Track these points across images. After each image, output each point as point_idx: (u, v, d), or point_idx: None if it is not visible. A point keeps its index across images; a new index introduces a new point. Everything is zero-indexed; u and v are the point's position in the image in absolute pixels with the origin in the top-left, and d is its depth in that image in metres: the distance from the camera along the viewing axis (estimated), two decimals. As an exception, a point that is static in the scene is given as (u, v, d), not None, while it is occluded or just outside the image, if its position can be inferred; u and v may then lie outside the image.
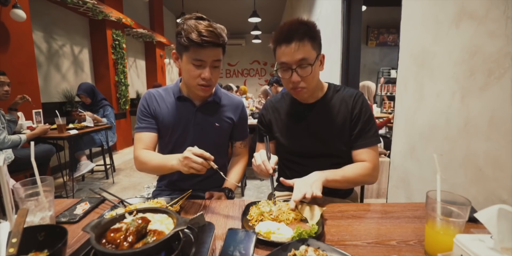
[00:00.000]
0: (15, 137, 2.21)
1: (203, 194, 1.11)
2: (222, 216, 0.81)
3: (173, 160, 0.87)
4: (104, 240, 0.45)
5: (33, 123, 2.76)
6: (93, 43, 4.61)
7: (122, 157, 4.58)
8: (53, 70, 3.80)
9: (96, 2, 3.88)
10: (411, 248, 0.62)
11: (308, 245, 0.58)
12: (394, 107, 1.57)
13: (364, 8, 3.46)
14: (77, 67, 4.29)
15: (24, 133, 2.35)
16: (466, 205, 0.56)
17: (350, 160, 1.07)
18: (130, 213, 0.53)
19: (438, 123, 1.14)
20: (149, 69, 6.77)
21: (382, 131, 3.11)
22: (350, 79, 2.79)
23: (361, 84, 3.11)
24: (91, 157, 3.57)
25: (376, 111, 3.52)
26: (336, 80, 2.90)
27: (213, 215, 0.81)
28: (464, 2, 0.98)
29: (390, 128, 2.88)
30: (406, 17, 1.42)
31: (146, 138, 1.07)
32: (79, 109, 3.21)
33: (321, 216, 0.74)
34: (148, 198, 0.89)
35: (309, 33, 0.91)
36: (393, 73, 5.66)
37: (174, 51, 1.04)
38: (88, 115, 3.02)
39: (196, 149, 0.81)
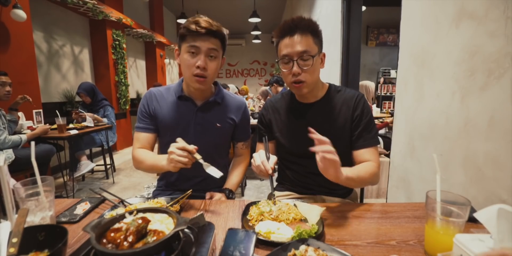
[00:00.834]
0: (15, 137, 2.21)
1: (203, 194, 1.11)
2: (222, 216, 0.81)
3: (163, 161, 0.89)
4: (104, 240, 0.45)
5: (34, 123, 2.76)
6: (93, 43, 4.61)
7: (122, 157, 4.58)
8: (53, 70, 3.80)
9: (96, 2, 3.88)
10: (411, 248, 0.63)
11: (308, 245, 0.58)
12: (394, 107, 1.57)
13: (364, 8, 3.46)
14: (77, 67, 4.29)
15: (24, 133, 2.36)
16: (466, 205, 0.56)
17: (349, 162, 1.07)
18: (130, 213, 0.53)
19: (438, 123, 1.14)
20: (149, 69, 6.77)
21: (382, 131, 3.11)
22: (350, 79, 2.79)
23: (360, 83, 3.11)
24: (91, 157, 3.57)
25: (375, 111, 3.52)
26: (336, 80, 2.90)
27: (213, 215, 0.81)
28: (464, 2, 0.98)
29: (390, 128, 2.88)
30: (406, 17, 1.42)
31: (142, 138, 1.11)
32: (80, 109, 3.22)
33: (321, 216, 0.74)
34: (148, 198, 0.89)
35: (311, 28, 0.93)
36: (393, 73, 5.66)
37: (176, 48, 1.06)
38: (88, 115, 3.02)
39: (178, 144, 0.83)
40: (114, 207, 0.84)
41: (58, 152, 2.71)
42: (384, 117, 3.42)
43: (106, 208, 0.86)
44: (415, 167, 1.33)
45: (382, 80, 5.55)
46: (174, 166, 0.84)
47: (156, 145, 1.21)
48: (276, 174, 1.17)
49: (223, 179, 1.20)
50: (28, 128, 2.62)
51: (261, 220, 0.74)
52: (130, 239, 0.45)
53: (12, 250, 0.44)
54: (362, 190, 1.31)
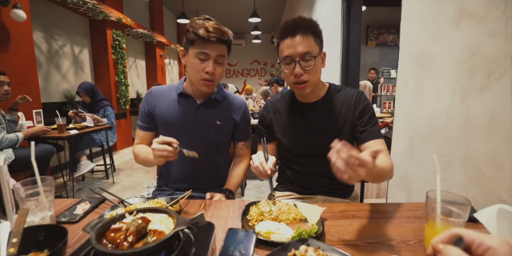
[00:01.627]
0: (12, 135, 2.20)
1: (203, 194, 1.11)
2: (222, 216, 0.81)
3: (151, 155, 0.91)
4: (104, 240, 0.45)
5: (34, 123, 2.76)
6: (93, 43, 4.61)
7: (122, 157, 4.58)
8: (53, 70, 3.80)
9: (96, 2, 3.88)
10: (411, 248, 0.63)
11: (308, 245, 0.58)
12: (394, 107, 1.57)
13: (364, 8, 3.46)
14: (77, 67, 4.29)
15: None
16: (466, 205, 0.56)
17: None
18: (130, 213, 0.53)
19: (438, 123, 1.14)
20: (149, 69, 6.77)
21: (382, 131, 3.11)
22: (350, 79, 2.79)
23: (360, 83, 3.11)
24: (91, 157, 3.57)
25: (376, 111, 3.52)
26: (336, 80, 2.90)
27: (213, 215, 0.81)
28: (464, 2, 0.98)
29: (390, 128, 2.88)
30: (406, 17, 1.42)
31: (141, 136, 1.17)
32: (79, 109, 3.22)
33: (321, 216, 0.74)
34: (148, 198, 0.89)
35: (313, 28, 0.93)
36: (393, 73, 5.66)
37: (181, 48, 1.07)
38: (88, 115, 3.02)
39: (158, 138, 0.86)
40: (114, 207, 0.84)
41: (58, 152, 2.70)
42: (384, 117, 3.42)
43: (106, 208, 0.86)
44: (415, 167, 1.33)
45: (382, 80, 5.55)
46: (159, 160, 0.87)
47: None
48: (276, 174, 1.17)
49: (223, 177, 1.20)
50: (28, 128, 2.62)
51: (261, 220, 0.74)
52: (130, 239, 0.45)
53: (12, 250, 0.44)
54: (362, 190, 1.31)
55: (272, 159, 0.90)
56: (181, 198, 0.87)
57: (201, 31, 0.95)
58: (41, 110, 2.93)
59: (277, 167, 1.00)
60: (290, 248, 0.58)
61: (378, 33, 6.09)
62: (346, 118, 1.01)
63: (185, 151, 0.86)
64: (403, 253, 0.61)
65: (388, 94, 5.57)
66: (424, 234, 0.62)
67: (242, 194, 2.86)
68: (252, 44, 10.28)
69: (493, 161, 0.86)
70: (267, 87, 4.88)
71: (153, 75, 6.78)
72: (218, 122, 1.12)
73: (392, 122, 1.57)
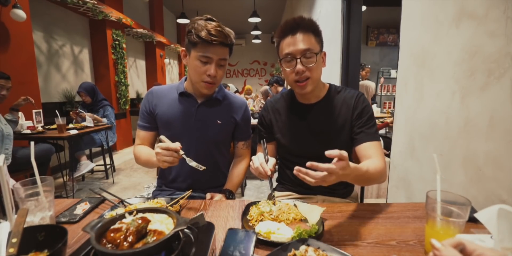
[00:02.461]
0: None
1: (203, 194, 1.11)
2: (222, 216, 0.81)
3: (154, 157, 0.91)
4: (104, 240, 0.45)
5: (33, 123, 2.76)
6: (93, 43, 4.61)
7: (122, 157, 4.58)
8: (53, 70, 3.80)
9: (96, 2, 3.88)
10: (411, 248, 0.62)
11: (308, 245, 0.58)
12: (394, 107, 1.57)
13: (364, 8, 3.46)
14: (77, 67, 4.29)
15: (25, 136, 2.32)
16: (466, 205, 0.56)
17: (350, 161, 1.07)
18: (130, 213, 0.53)
19: (438, 123, 1.14)
20: (149, 69, 6.77)
21: (382, 131, 3.11)
22: (350, 79, 2.79)
23: (360, 83, 3.11)
24: (91, 157, 3.57)
25: (376, 111, 3.52)
26: (336, 80, 2.89)
27: (213, 215, 0.81)
28: (464, 2, 0.98)
29: (390, 128, 2.88)
30: (406, 17, 1.42)
31: (142, 136, 1.17)
32: (79, 109, 3.22)
33: (321, 216, 0.74)
34: (148, 198, 0.89)
35: (313, 27, 0.94)
36: (393, 73, 5.66)
37: (183, 48, 1.07)
38: (88, 115, 3.02)
39: (162, 144, 0.85)
40: (114, 207, 0.84)
41: (58, 152, 2.70)
42: (384, 117, 3.42)
43: (106, 208, 0.86)
44: (415, 167, 1.33)
45: (382, 80, 5.55)
46: (162, 165, 0.87)
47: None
48: (276, 174, 1.17)
49: (223, 177, 1.20)
50: (28, 128, 2.62)
51: (261, 220, 0.74)
52: (130, 239, 0.45)
53: (11, 250, 0.44)
54: (362, 190, 1.31)
55: (272, 160, 0.90)
56: (181, 198, 0.87)
57: (204, 34, 0.94)
58: (41, 110, 2.93)
59: (276, 167, 1.00)
60: (290, 248, 0.58)
61: (378, 33, 6.09)
62: (345, 120, 1.01)
63: (188, 159, 0.87)
64: (403, 253, 0.61)
65: (388, 94, 5.57)
66: (424, 234, 0.62)
67: (242, 194, 2.86)
68: (252, 44, 10.28)
69: (493, 161, 0.86)
70: (268, 87, 4.88)
71: (153, 75, 6.77)
72: (218, 121, 1.13)
73: (392, 122, 1.57)
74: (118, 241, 0.44)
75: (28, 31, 2.99)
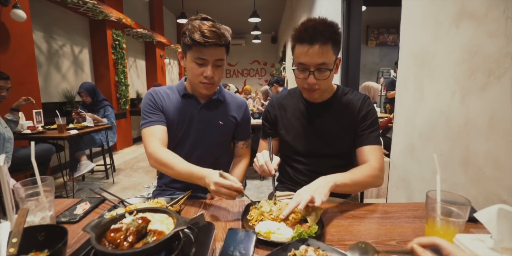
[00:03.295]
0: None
1: (203, 194, 1.11)
2: (222, 216, 0.81)
3: (199, 180, 0.85)
4: (104, 240, 0.45)
5: (34, 123, 2.76)
6: (93, 43, 4.61)
7: (122, 157, 4.58)
8: (53, 70, 3.80)
9: (96, 2, 3.88)
10: (411, 248, 0.62)
11: (308, 245, 0.58)
12: (394, 107, 1.58)
13: (364, 8, 3.46)
14: (77, 67, 4.29)
15: (25, 136, 2.32)
16: (466, 205, 0.56)
17: (352, 163, 1.07)
18: (130, 213, 0.53)
19: (438, 123, 1.14)
20: (149, 69, 6.77)
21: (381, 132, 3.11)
22: (350, 79, 2.79)
23: (364, 84, 3.10)
24: (91, 157, 3.57)
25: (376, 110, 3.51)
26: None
27: (213, 215, 0.81)
28: (464, 2, 0.98)
29: (390, 128, 2.88)
30: (406, 17, 1.42)
31: (158, 131, 1.03)
32: (80, 109, 3.22)
33: (321, 216, 0.74)
34: (148, 198, 0.89)
35: (333, 37, 0.88)
36: (393, 73, 5.66)
37: (179, 50, 1.06)
38: (88, 115, 3.03)
39: (223, 182, 0.77)
40: (114, 207, 0.84)
41: (58, 152, 2.70)
42: (384, 117, 3.42)
43: (106, 208, 0.86)
44: (415, 167, 1.33)
45: (382, 80, 5.55)
46: (215, 196, 0.83)
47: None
48: (276, 173, 1.17)
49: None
50: (28, 128, 2.62)
51: (261, 220, 0.74)
52: (130, 239, 0.45)
53: (12, 250, 0.44)
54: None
55: (277, 159, 0.91)
56: (181, 198, 0.87)
57: (197, 36, 0.91)
58: (41, 110, 2.93)
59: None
60: (290, 248, 0.58)
61: (378, 33, 6.09)
62: (350, 121, 1.02)
63: (248, 198, 0.85)
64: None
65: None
66: (424, 234, 0.62)
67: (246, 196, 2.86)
68: (252, 44, 10.28)
69: (493, 161, 0.86)
70: (268, 87, 4.88)
71: (153, 75, 6.78)
72: (220, 122, 1.13)
73: (393, 118, 1.57)
74: (118, 241, 0.44)
75: (28, 31, 2.99)
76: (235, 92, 5.79)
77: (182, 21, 6.01)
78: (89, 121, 2.98)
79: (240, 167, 1.21)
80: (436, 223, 0.58)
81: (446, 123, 1.09)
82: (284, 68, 7.62)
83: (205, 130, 1.12)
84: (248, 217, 0.77)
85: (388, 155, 2.37)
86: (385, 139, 2.78)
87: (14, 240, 0.46)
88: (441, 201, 0.57)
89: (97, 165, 3.31)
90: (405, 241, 0.65)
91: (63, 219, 0.77)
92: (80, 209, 0.83)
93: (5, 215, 0.60)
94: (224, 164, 1.23)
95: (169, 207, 0.80)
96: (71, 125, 2.90)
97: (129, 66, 5.81)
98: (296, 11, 5.66)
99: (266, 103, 4.99)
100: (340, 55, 0.93)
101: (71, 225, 0.75)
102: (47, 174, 2.76)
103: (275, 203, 0.82)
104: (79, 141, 2.99)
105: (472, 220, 0.64)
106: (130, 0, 5.62)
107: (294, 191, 1.13)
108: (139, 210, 0.54)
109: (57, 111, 2.77)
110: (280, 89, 4.33)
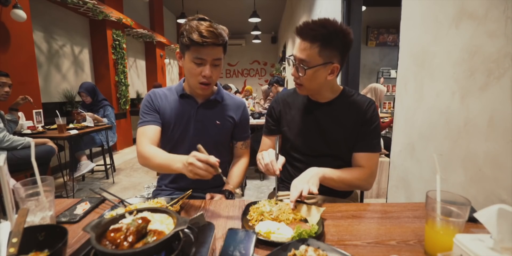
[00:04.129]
0: (19, 138, 2.16)
1: (203, 194, 1.11)
2: (222, 216, 0.81)
3: (177, 163, 0.84)
4: (104, 240, 0.45)
5: (34, 123, 2.77)
6: (93, 43, 4.61)
7: (122, 157, 4.58)
8: (53, 70, 3.80)
9: (96, 2, 3.88)
10: (411, 248, 0.63)
11: (308, 245, 0.58)
12: (394, 107, 1.58)
13: (364, 8, 3.46)
14: (77, 67, 4.29)
15: (25, 135, 2.33)
16: (466, 205, 0.56)
17: (350, 164, 1.08)
18: (130, 213, 0.53)
19: (438, 123, 1.14)
20: (149, 69, 6.77)
21: (382, 131, 3.11)
22: (350, 79, 2.79)
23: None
24: (91, 157, 3.57)
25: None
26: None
27: (213, 215, 0.81)
28: (464, 2, 0.98)
29: (390, 128, 2.88)
30: (406, 17, 1.42)
31: (150, 131, 1.05)
32: (80, 109, 3.22)
33: (321, 216, 0.74)
34: (148, 198, 0.89)
35: (325, 39, 0.88)
36: (393, 73, 5.66)
37: (178, 50, 1.07)
38: (88, 115, 3.03)
39: (200, 155, 0.76)
40: (114, 207, 0.84)
41: (58, 152, 2.70)
42: (384, 117, 3.42)
43: (106, 208, 0.86)
44: (415, 167, 1.33)
45: (382, 80, 5.54)
46: (192, 177, 0.78)
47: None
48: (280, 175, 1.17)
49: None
50: (28, 128, 2.62)
51: (261, 220, 0.74)
52: (130, 239, 0.45)
53: (12, 250, 0.44)
54: (362, 190, 1.31)
55: (282, 159, 0.91)
56: (181, 198, 0.87)
57: (195, 36, 0.93)
58: (41, 110, 2.93)
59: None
60: (290, 248, 0.58)
61: (378, 33, 6.09)
62: (353, 123, 1.02)
63: (224, 178, 0.81)
64: (403, 253, 0.61)
65: (388, 94, 5.57)
66: (424, 234, 0.62)
67: (242, 194, 2.86)
68: (252, 44, 10.27)
69: (493, 161, 0.86)
70: (268, 87, 4.88)
71: (153, 75, 6.78)
72: (217, 122, 1.13)
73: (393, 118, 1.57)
74: (118, 241, 0.44)
75: (29, 31, 2.99)
76: (235, 92, 5.79)
77: (182, 21, 6.00)
78: (89, 121, 2.99)
79: (240, 167, 1.20)
80: (436, 223, 0.58)
81: (446, 123, 1.09)
82: (284, 68, 7.62)
83: (202, 130, 1.12)
84: (248, 217, 0.77)
85: (388, 155, 2.37)
86: (385, 139, 2.78)
87: (14, 240, 0.46)
88: (441, 201, 0.57)
89: (97, 165, 3.31)
90: (405, 241, 0.65)
91: (63, 219, 0.77)
92: (80, 209, 0.83)
93: (5, 215, 0.60)
94: (223, 164, 1.23)
95: (169, 207, 0.80)
96: (71, 125, 2.90)
97: (129, 66, 5.82)
98: (296, 11, 5.67)
99: (265, 104, 4.99)
100: (336, 63, 0.94)
101: (71, 225, 0.75)
102: (47, 174, 2.75)
103: (276, 203, 0.82)
104: (79, 141, 2.99)
105: (472, 220, 0.64)
106: (130, 0, 5.62)
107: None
108: (139, 210, 0.54)
109: (57, 111, 2.77)
110: (281, 89, 4.32)
